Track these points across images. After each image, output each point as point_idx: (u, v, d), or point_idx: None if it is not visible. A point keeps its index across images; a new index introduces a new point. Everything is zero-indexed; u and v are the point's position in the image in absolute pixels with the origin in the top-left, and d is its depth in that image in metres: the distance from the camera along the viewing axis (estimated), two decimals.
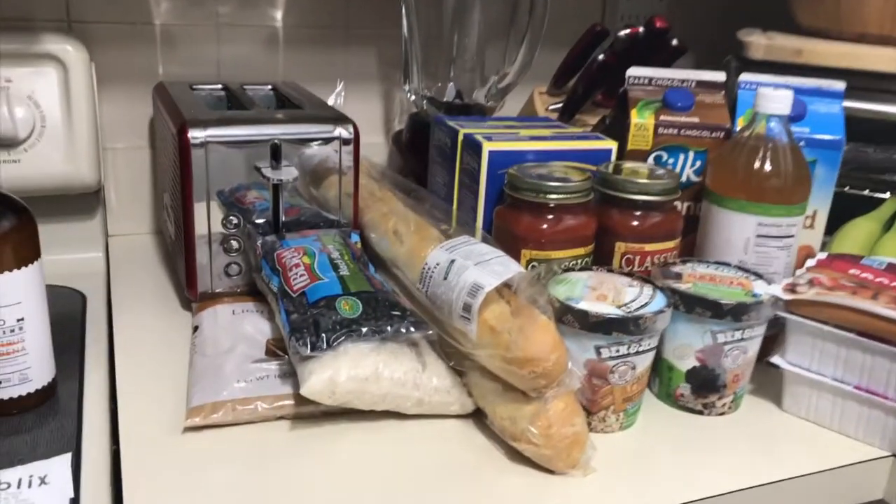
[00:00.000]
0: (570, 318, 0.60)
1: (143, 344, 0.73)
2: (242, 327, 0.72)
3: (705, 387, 0.67)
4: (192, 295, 0.78)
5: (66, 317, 0.79)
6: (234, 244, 0.77)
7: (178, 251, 0.80)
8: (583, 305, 0.61)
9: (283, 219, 0.78)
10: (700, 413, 0.68)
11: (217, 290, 0.78)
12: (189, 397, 0.63)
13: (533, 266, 0.68)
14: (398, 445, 0.61)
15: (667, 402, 0.69)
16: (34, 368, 0.63)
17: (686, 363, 0.67)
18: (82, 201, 0.91)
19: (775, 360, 0.68)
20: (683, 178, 0.80)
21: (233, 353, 0.68)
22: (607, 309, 0.61)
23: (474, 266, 0.62)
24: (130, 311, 0.79)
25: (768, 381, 0.70)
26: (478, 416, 0.64)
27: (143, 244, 0.97)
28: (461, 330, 0.61)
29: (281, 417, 0.63)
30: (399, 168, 1.01)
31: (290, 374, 0.65)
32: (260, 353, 0.68)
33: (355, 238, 0.78)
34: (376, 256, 0.78)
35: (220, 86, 0.93)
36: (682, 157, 0.81)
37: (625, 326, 0.60)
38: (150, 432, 0.60)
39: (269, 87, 0.94)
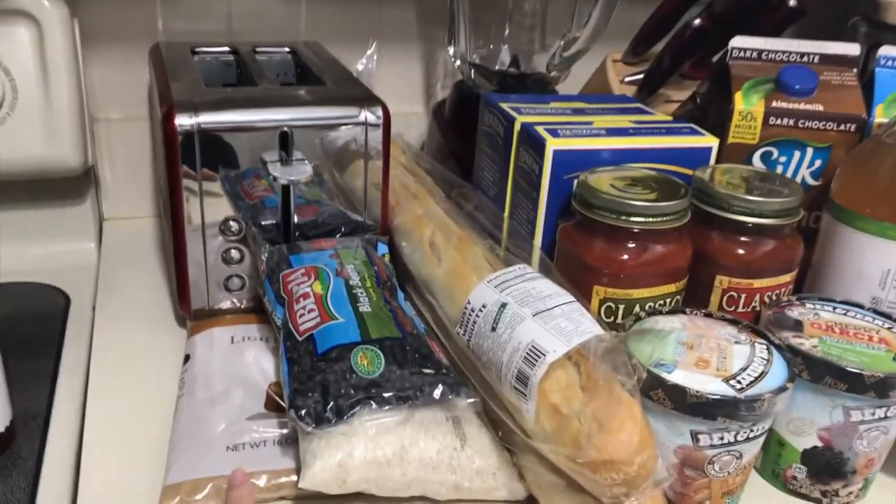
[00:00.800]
0: (661, 395, 0.45)
1: (126, 373, 0.60)
2: (241, 363, 0.58)
3: (827, 472, 0.51)
4: (185, 312, 0.65)
5: (43, 325, 0.67)
6: (235, 254, 0.63)
7: (171, 256, 0.67)
8: (678, 377, 0.46)
9: (296, 221, 0.64)
10: (816, 502, 0.53)
11: (215, 307, 0.64)
12: (167, 468, 0.49)
13: (614, 328, 0.51)
14: None
15: (772, 482, 0.54)
16: None
17: (804, 441, 0.51)
18: (70, 183, 0.78)
19: None
20: (797, 182, 0.63)
21: (226, 401, 0.54)
22: (711, 384, 0.46)
23: (533, 318, 0.47)
24: (116, 325, 0.66)
25: None
26: (531, 502, 0.50)
27: (142, 230, 0.84)
28: (514, 403, 0.47)
29: (281, 498, 0.49)
30: (439, 146, 0.85)
31: (295, 439, 0.51)
32: (259, 405, 0.54)
33: (383, 250, 0.63)
34: (406, 270, 0.63)
35: (227, 49, 0.77)
36: (797, 154, 0.64)
37: (734, 410, 0.45)
38: None
39: (287, 49, 0.79)
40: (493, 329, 0.48)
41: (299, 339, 0.51)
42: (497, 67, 0.80)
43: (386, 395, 0.47)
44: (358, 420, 0.47)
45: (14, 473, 0.51)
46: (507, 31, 0.80)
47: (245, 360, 0.58)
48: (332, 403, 0.46)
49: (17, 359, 0.62)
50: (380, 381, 0.48)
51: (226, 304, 0.65)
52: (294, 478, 0.49)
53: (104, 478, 0.50)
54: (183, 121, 0.57)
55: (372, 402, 0.47)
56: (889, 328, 0.53)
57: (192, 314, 0.64)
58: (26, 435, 0.55)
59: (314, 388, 0.47)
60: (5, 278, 0.73)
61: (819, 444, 0.51)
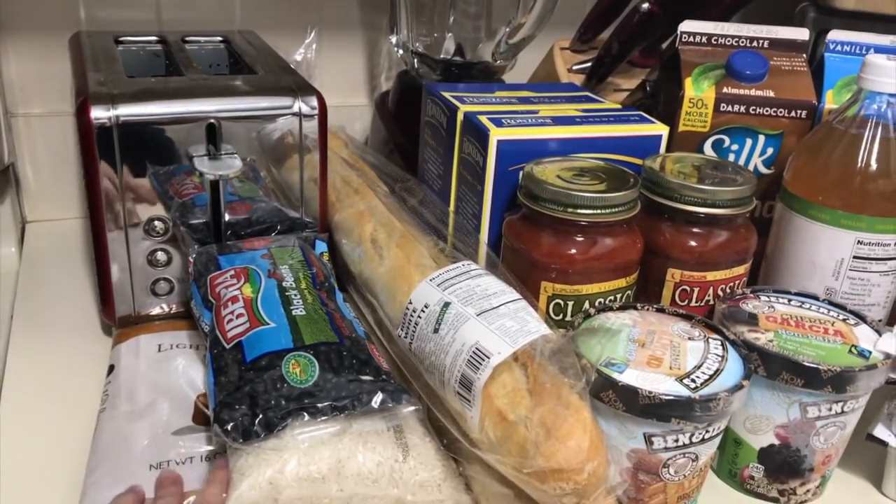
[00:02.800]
0: (612, 397, 0.43)
1: (44, 388, 0.56)
2: (169, 373, 0.54)
3: (785, 470, 0.50)
4: (109, 319, 0.60)
5: None
6: (162, 256, 0.59)
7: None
8: (629, 378, 0.43)
9: (228, 219, 0.60)
10: (774, 501, 0.51)
11: (142, 313, 0.60)
12: (82, 493, 0.45)
13: (563, 326, 0.47)
14: None
15: (729, 482, 0.52)
16: None
17: (761, 439, 0.49)
18: None
19: (879, 432, 0.51)
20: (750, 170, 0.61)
21: (151, 414, 0.50)
22: (664, 383, 0.43)
23: (476, 318, 0.44)
24: (36, 334, 0.62)
25: (860, 452, 0.53)
26: None
27: (67, 233, 0.78)
28: (458, 410, 0.44)
29: None
30: (383, 139, 0.82)
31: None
32: (186, 418, 0.50)
33: (321, 248, 0.60)
34: (347, 270, 0.60)
35: (155, 38, 0.73)
36: (749, 142, 0.62)
37: (688, 411, 0.42)
38: None
39: (220, 39, 0.74)
40: (436, 330, 0.45)
41: (227, 346, 0.48)
42: (441, 56, 0.77)
43: (320, 405, 0.44)
44: (289, 433, 0.43)
45: None
46: (451, 19, 0.77)
47: (173, 370, 0.54)
48: (260, 416, 0.43)
49: None
50: (313, 390, 0.44)
51: (154, 310, 0.60)
52: None
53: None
54: (99, 113, 0.53)
55: (304, 413, 0.43)
56: (843, 319, 0.52)
57: (116, 321, 0.60)
58: None
59: (242, 399, 0.44)
60: None
61: (776, 441, 0.49)
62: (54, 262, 0.73)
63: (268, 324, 0.48)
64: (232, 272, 0.53)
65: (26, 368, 0.57)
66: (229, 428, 0.42)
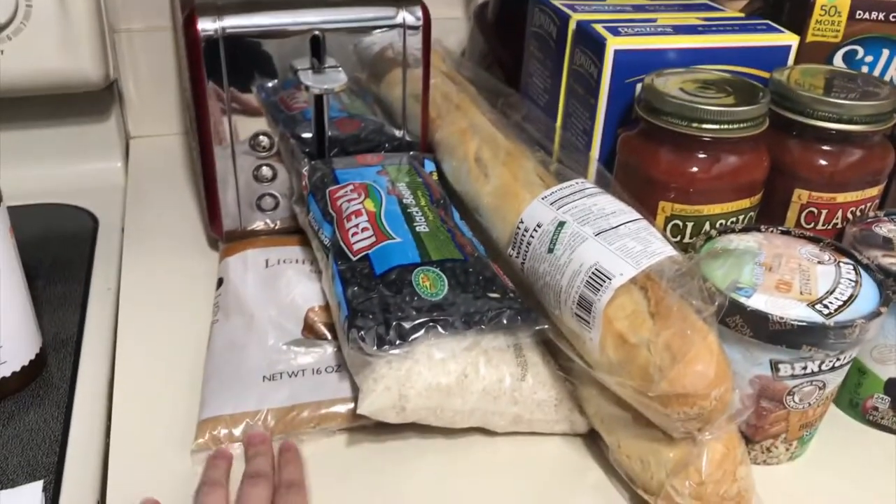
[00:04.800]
0: (739, 322, 0.41)
1: (157, 298, 0.57)
2: (277, 287, 0.55)
3: None
4: (216, 233, 0.61)
5: (71, 248, 0.65)
6: (267, 172, 0.59)
7: (200, 175, 0.63)
8: (758, 302, 0.41)
9: (333, 134, 0.59)
10: None
11: (248, 228, 0.61)
12: (201, 401, 0.47)
13: (683, 249, 0.44)
14: (484, 477, 0.44)
15: (849, 412, 0.50)
16: (6, 348, 0.48)
17: (889, 369, 0.47)
18: (93, 99, 0.73)
19: None
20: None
21: (262, 326, 0.51)
22: (795, 309, 0.41)
23: (595, 238, 0.42)
24: (146, 247, 0.63)
25: None
26: (592, 437, 0.46)
27: (171, 148, 0.80)
28: (575, 331, 0.43)
29: (323, 432, 0.46)
30: (482, 53, 0.79)
31: (338, 368, 0.48)
32: (296, 331, 0.51)
33: (430, 167, 0.59)
34: (452, 190, 0.58)
35: None
36: (885, 53, 0.57)
37: (822, 338, 0.40)
38: (151, 448, 0.45)
39: None
40: (550, 251, 0.44)
41: (353, 258, 0.47)
42: None
43: (451, 318, 0.43)
44: (422, 344, 0.43)
45: (46, 402, 0.49)
46: None
47: (281, 284, 0.55)
48: (395, 325, 0.43)
49: (46, 283, 0.60)
50: (443, 303, 0.44)
51: (259, 225, 0.61)
52: (337, 408, 0.46)
53: (137, 408, 0.48)
54: (206, 25, 0.52)
55: (437, 325, 0.43)
56: None
57: (223, 236, 0.61)
58: (58, 362, 0.52)
59: (374, 308, 0.44)
60: (31, 199, 0.70)
61: None
62: (159, 177, 0.74)
63: (394, 238, 0.48)
64: (351, 186, 0.52)
65: (140, 279, 0.59)
66: (364, 335, 0.42)
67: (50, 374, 0.52)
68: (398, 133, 0.61)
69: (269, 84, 0.56)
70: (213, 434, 0.45)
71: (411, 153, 0.59)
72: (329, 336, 0.51)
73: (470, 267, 0.46)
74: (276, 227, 0.61)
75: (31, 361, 0.50)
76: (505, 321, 0.44)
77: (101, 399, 0.50)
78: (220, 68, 0.54)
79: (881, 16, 0.56)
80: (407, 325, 0.43)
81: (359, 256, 0.47)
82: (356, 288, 0.46)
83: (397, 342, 0.42)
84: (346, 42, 0.57)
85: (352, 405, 0.46)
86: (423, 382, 0.42)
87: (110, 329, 0.56)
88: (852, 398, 0.49)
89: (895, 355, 0.46)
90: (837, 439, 0.48)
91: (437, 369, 0.43)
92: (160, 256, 0.62)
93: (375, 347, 0.42)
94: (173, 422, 0.46)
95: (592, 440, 0.46)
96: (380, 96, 0.61)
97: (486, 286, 0.45)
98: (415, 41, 0.58)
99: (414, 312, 0.43)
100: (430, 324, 0.43)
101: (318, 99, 0.57)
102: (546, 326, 0.44)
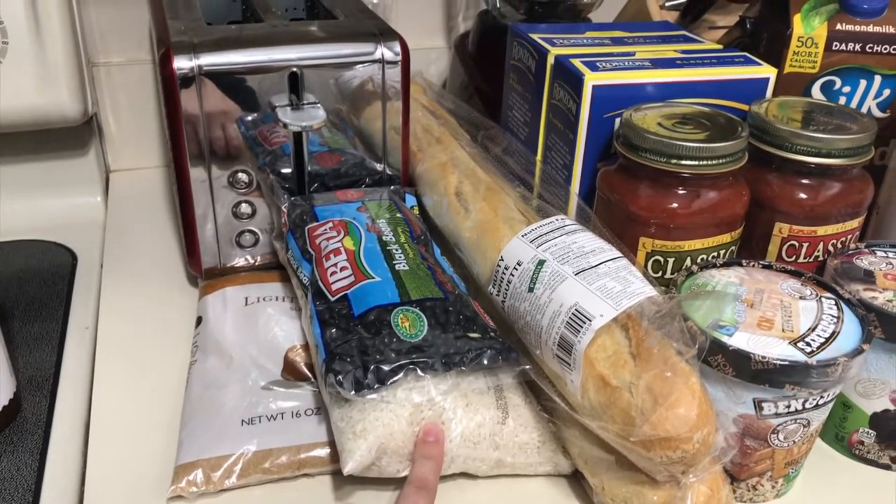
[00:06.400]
0: (721, 361, 0.41)
1: (136, 337, 0.56)
2: (257, 325, 0.54)
3: None
4: (195, 271, 0.60)
5: (49, 285, 0.64)
6: (246, 208, 0.58)
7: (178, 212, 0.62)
8: (740, 341, 0.41)
9: (313, 168, 0.58)
10: (886, 468, 0.48)
11: (228, 265, 0.60)
12: (179, 445, 0.46)
13: (663, 285, 0.45)
14: None
15: (835, 446, 0.49)
16: None
17: (874, 404, 0.47)
18: (72, 134, 0.73)
19: None
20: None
21: (241, 368, 0.50)
22: (777, 347, 0.41)
23: (575, 277, 0.42)
24: (125, 284, 0.62)
25: None
26: (577, 476, 0.46)
27: (151, 182, 0.79)
28: (557, 373, 0.42)
29: (304, 476, 0.46)
30: (463, 84, 0.79)
31: (318, 410, 0.47)
32: (276, 371, 0.50)
33: (411, 202, 0.58)
34: (433, 225, 0.58)
35: None
36: (863, 83, 0.57)
37: (804, 377, 0.40)
38: (126, 494, 0.44)
39: None
40: (531, 290, 0.43)
41: (332, 298, 0.47)
42: None
43: (431, 360, 0.43)
44: (402, 387, 0.42)
45: (20, 448, 0.48)
46: None
47: (261, 322, 0.54)
48: (372, 368, 0.42)
49: (22, 322, 0.59)
50: (423, 345, 0.43)
51: (239, 262, 0.60)
52: (317, 452, 0.45)
53: (113, 454, 0.47)
54: (182, 63, 0.52)
55: (416, 367, 0.42)
56: None
57: (202, 273, 0.60)
58: (33, 406, 0.51)
59: (352, 351, 0.43)
60: (9, 236, 0.69)
61: (891, 406, 0.46)
62: (139, 211, 0.73)
63: (373, 277, 0.47)
64: (331, 224, 0.52)
65: (118, 318, 0.58)
66: (341, 379, 0.42)
67: (24, 420, 0.50)
68: (379, 167, 0.61)
69: (249, 118, 0.56)
70: (190, 479, 0.44)
71: (392, 188, 0.59)
72: (310, 376, 0.50)
73: (450, 305, 0.46)
74: (257, 264, 0.61)
75: (4, 407, 0.49)
76: (486, 361, 0.43)
77: (77, 444, 0.49)
78: (198, 106, 0.54)
79: (857, 47, 0.56)
80: (386, 367, 0.42)
81: (337, 297, 0.47)
82: (334, 330, 0.45)
83: (375, 385, 0.42)
84: (326, 76, 0.56)
85: (330, 449, 0.45)
86: (403, 426, 0.42)
87: (87, 370, 0.55)
88: (838, 432, 0.49)
89: (879, 389, 0.46)
90: (824, 474, 0.48)
91: (416, 414, 0.42)
92: (140, 294, 0.61)
93: (353, 392, 0.41)
94: (150, 467, 0.46)
95: (576, 480, 0.46)
96: (360, 129, 0.61)
97: (466, 325, 0.45)
98: (394, 74, 0.58)
99: (393, 355, 0.43)
100: (410, 366, 0.42)
101: (297, 135, 0.56)
102: (528, 367, 0.44)
